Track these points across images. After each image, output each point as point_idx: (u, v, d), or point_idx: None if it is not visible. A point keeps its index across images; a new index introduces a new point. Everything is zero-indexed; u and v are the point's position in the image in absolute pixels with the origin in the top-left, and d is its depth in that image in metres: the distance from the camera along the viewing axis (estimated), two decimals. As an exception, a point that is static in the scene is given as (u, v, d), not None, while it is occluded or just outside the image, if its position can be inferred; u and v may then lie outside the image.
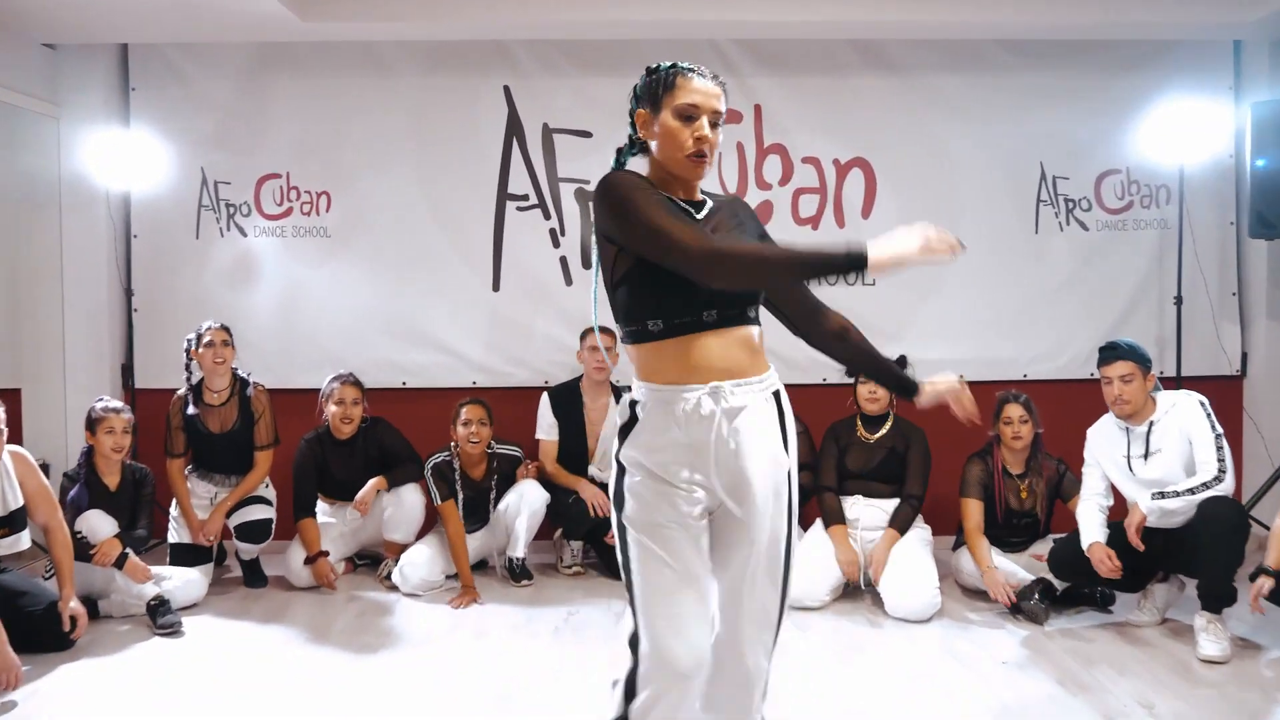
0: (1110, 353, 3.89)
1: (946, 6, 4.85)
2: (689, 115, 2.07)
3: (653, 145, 2.13)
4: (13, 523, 3.60)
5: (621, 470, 2.11)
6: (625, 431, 2.11)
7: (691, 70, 2.11)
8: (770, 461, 2.09)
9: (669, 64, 2.12)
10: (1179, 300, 5.12)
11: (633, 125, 2.18)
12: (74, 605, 3.67)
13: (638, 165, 2.19)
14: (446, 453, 4.65)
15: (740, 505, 2.06)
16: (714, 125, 2.10)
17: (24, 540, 3.65)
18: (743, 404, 2.05)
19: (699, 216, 2.12)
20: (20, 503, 3.63)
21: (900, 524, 4.41)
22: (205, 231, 5.26)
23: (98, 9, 4.65)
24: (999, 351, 5.29)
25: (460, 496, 4.62)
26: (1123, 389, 3.85)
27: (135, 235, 5.25)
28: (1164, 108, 4.98)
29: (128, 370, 5.26)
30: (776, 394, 2.14)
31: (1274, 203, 4.63)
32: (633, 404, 2.11)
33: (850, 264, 1.84)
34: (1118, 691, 3.30)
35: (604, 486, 4.77)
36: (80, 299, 5.17)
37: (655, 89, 2.11)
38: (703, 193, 2.20)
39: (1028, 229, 5.32)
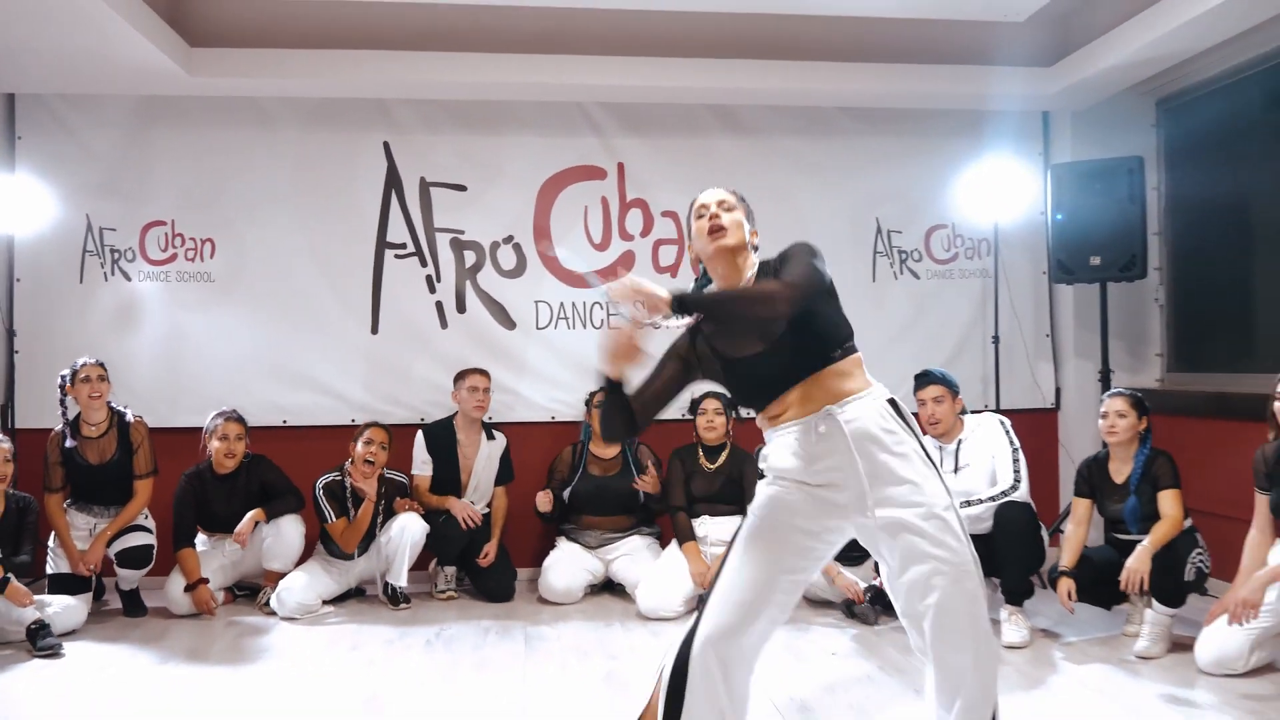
0: (924, 379, 4.42)
1: (795, 76, 5.36)
2: (701, 215, 2.59)
3: (700, 256, 2.62)
4: None
5: None
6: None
7: (703, 192, 2.65)
8: None
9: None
10: (996, 340, 5.71)
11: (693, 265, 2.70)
12: None
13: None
14: (337, 473, 4.90)
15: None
16: (727, 209, 2.56)
17: None
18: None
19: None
20: None
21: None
22: (89, 276, 5.42)
23: (-15, 60, 4.83)
24: (842, 388, 5.76)
25: (352, 514, 4.87)
26: (934, 409, 4.37)
27: (18, 279, 5.37)
28: (983, 169, 5.59)
29: (6, 410, 5.35)
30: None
31: (1072, 252, 5.25)
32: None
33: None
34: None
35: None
36: (-40, 341, 5.26)
37: (688, 220, 2.65)
38: (761, 263, 2.59)
39: (866, 278, 5.86)
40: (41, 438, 4.90)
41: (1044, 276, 5.96)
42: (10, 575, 4.17)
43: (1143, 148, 5.49)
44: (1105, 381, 5.24)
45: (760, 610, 2.39)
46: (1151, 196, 5.43)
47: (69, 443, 4.67)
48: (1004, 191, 5.57)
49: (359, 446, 4.87)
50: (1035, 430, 5.64)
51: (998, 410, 5.52)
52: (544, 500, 5.05)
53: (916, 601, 2.33)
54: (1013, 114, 5.90)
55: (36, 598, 4.29)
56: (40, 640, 4.08)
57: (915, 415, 4.30)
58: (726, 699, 2.37)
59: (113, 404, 4.82)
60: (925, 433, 4.36)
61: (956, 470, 4.37)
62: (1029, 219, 5.87)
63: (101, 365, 4.73)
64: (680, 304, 2.29)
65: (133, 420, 4.80)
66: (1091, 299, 5.53)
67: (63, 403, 4.73)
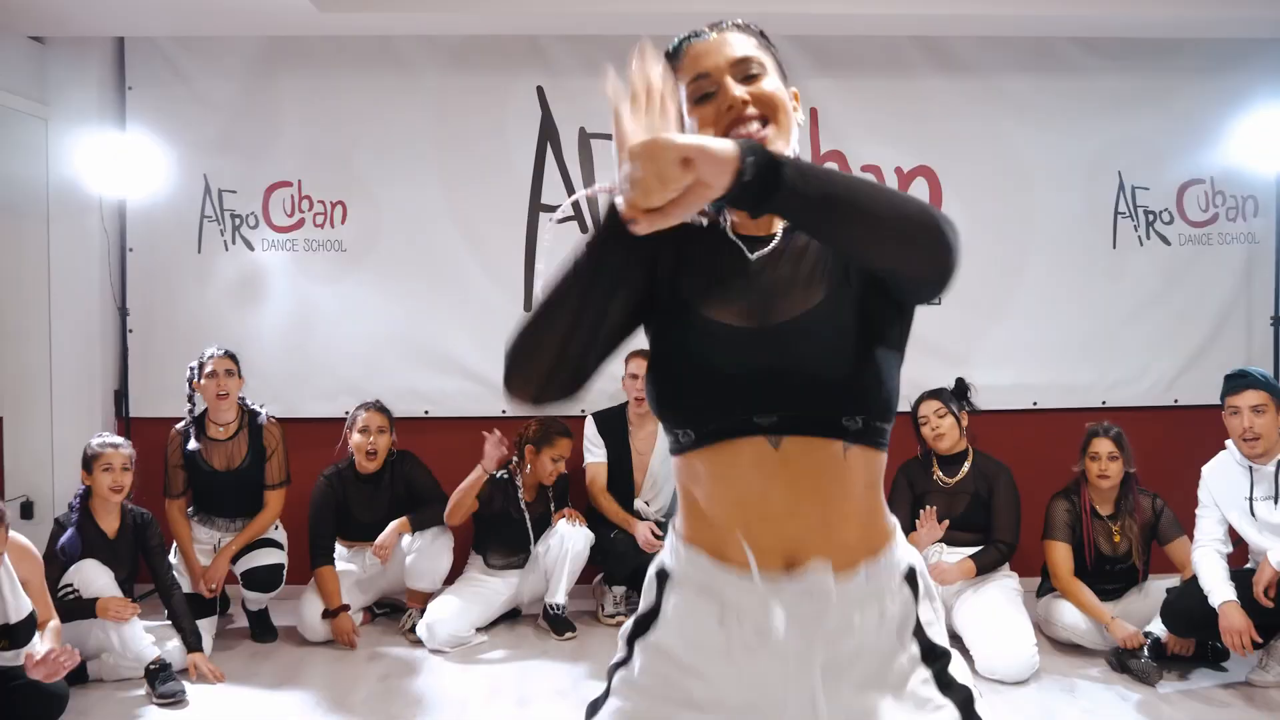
0: (1240, 380, 3.49)
1: (1019, 0, 4.46)
2: (706, 94, 1.36)
3: None
4: (14, 635, 3.09)
5: None
6: None
7: (688, 39, 1.40)
8: None
9: (665, 52, 1.40)
10: (1276, 320, 4.71)
11: None
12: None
13: None
14: (504, 472, 4.25)
15: None
16: (750, 78, 1.36)
17: (35, 650, 3.12)
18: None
19: (751, 257, 1.38)
20: (25, 611, 3.12)
21: (981, 561, 3.98)
22: (208, 245, 4.82)
23: (91, -1, 4.22)
24: (1076, 376, 4.88)
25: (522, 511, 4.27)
26: (1253, 420, 3.44)
27: (130, 249, 4.80)
28: (1252, 112, 4.62)
29: (121, 397, 4.79)
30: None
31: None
32: None
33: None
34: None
35: (658, 523, 4.36)
36: (69, 318, 4.70)
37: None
38: None
39: (1105, 243, 4.91)
40: (157, 429, 4.38)
41: (1324, 242, 4.93)
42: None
43: None
44: None
45: None
46: None
47: (192, 444, 4.06)
48: (1277, 138, 4.55)
49: (355, 436, 4.21)
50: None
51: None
52: None
53: None
54: (1284, 43, 4.86)
55: (159, 624, 3.69)
56: (160, 684, 3.48)
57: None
58: None
59: (246, 402, 4.19)
60: (1241, 451, 3.48)
61: (1277, 499, 3.44)
62: (1307, 172, 4.83)
63: (232, 357, 4.12)
64: (766, 173, 1.10)
65: (266, 423, 4.18)
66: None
67: (191, 398, 4.14)
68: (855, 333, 1.30)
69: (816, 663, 1.26)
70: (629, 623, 1.40)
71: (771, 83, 1.37)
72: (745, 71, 1.36)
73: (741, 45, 1.38)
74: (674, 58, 1.40)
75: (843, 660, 1.27)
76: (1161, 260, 4.93)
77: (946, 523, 3.99)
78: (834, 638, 1.27)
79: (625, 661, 1.38)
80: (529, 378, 1.32)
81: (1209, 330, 4.91)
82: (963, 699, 1.32)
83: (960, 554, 4.01)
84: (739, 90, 1.34)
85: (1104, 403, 4.83)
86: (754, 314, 1.32)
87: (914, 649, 1.32)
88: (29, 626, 3.12)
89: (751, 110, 1.33)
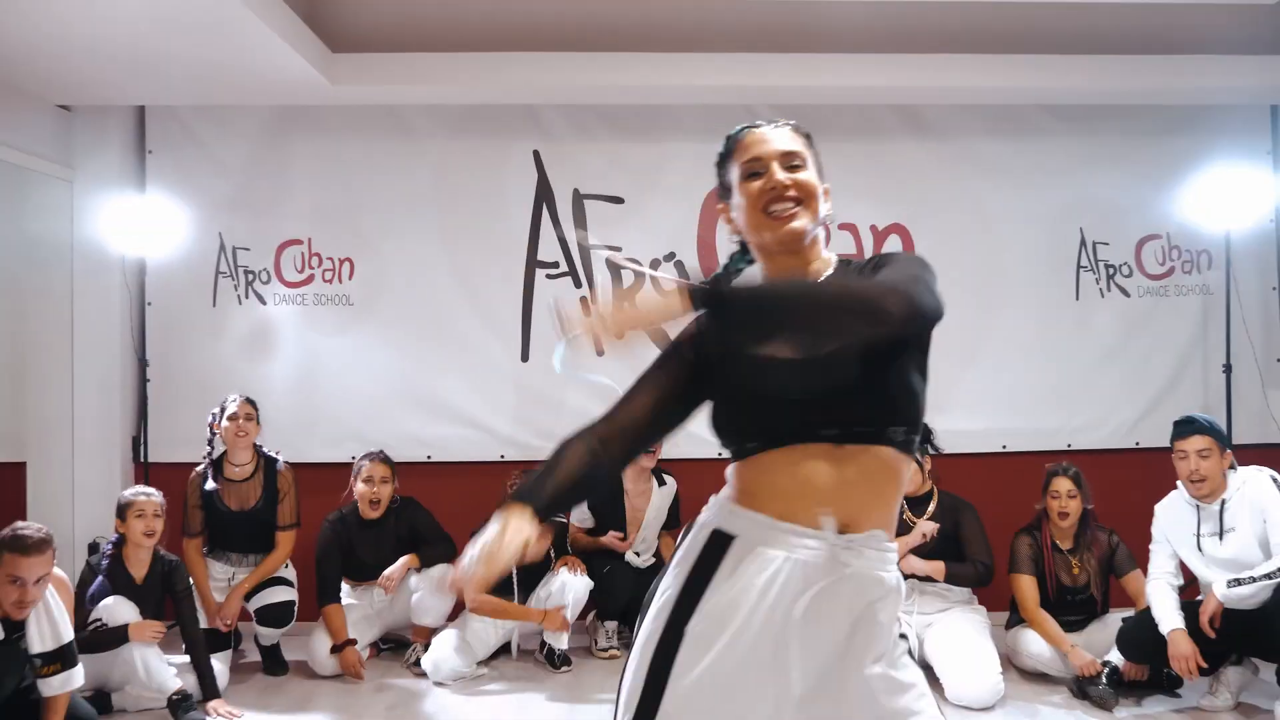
0: (1187, 426, 3.77)
1: (988, 71, 4.83)
2: (755, 173, 1.70)
3: (745, 234, 1.76)
4: (64, 658, 3.33)
5: None
6: None
7: (748, 127, 1.75)
8: None
9: (727, 136, 1.78)
10: (1228, 368, 5.00)
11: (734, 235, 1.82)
12: None
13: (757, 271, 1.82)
14: None
15: None
16: (793, 168, 1.69)
17: (77, 678, 3.35)
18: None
19: None
20: (70, 636, 3.36)
21: (956, 572, 4.24)
22: (223, 299, 5.10)
23: (115, 71, 4.54)
24: (1043, 421, 5.16)
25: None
26: (1199, 464, 3.71)
27: (149, 302, 5.08)
28: (1204, 172, 4.92)
29: (137, 443, 5.04)
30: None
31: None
32: None
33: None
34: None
35: (649, 567, 4.62)
36: (91, 368, 4.98)
37: (723, 171, 1.78)
38: (841, 261, 1.76)
39: (1068, 295, 5.22)
40: (173, 473, 4.62)
41: (1274, 293, 5.23)
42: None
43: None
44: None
45: None
46: None
47: (210, 484, 4.31)
48: (1229, 197, 4.86)
49: (359, 485, 4.45)
50: (1270, 468, 4.92)
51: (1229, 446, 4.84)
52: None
53: None
54: (1237, 108, 5.22)
55: (178, 660, 3.93)
56: (183, 714, 3.71)
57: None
58: None
59: (262, 448, 4.45)
60: (1189, 492, 3.76)
61: (1221, 535, 3.71)
62: (1257, 227, 5.13)
63: (252, 403, 4.39)
64: (711, 304, 1.56)
65: (282, 468, 4.43)
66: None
67: (210, 441, 4.40)
68: (887, 359, 1.62)
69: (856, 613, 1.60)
70: (676, 587, 1.66)
71: (810, 175, 1.71)
72: (790, 162, 1.70)
73: (791, 141, 1.72)
74: (732, 140, 1.76)
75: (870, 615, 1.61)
76: (1122, 311, 5.23)
77: (936, 526, 4.24)
78: (869, 595, 1.61)
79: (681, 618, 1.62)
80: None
81: (1168, 377, 5.19)
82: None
83: (930, 590, 4.26)
84: (783, 175, 1.68)
85: (1069, 445, 5.10)
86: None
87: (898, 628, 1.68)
88: (74, 650, 3.35)
89: (791, 193, 1.68)
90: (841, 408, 1.61)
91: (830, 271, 1.74)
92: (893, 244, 5.16)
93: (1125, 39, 4.86)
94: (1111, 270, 5.24)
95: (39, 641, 3.26)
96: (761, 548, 1.61)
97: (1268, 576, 3.54)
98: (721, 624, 1.59)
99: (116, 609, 3.81)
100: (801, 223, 1.68)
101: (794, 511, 1.61)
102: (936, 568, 4.22)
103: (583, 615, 4.73)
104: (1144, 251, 5.25)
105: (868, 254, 5.14)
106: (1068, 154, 5.21)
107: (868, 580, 1.61)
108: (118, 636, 3.76)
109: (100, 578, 3.92)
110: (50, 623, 3.28)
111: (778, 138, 1.72)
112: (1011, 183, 5.20)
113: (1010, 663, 4.31)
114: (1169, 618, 3.72)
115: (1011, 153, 5.21)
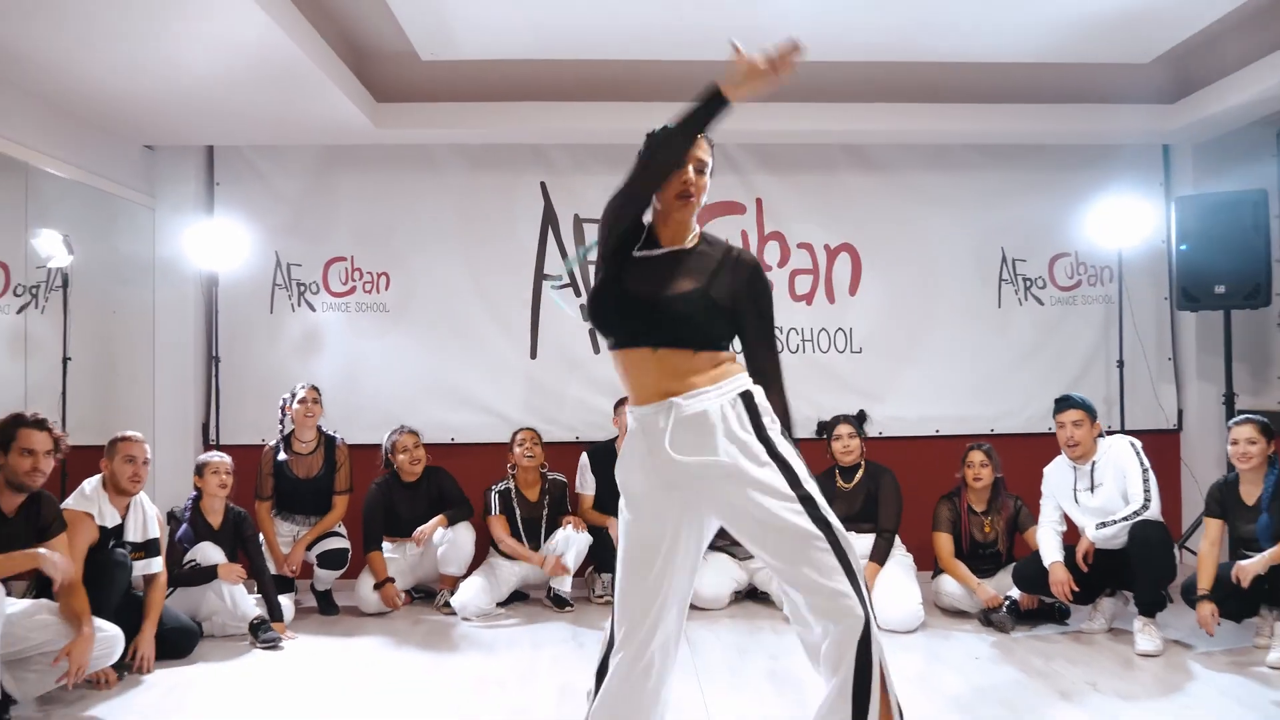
0: (1064, 403, 4.71)
1: (925, 117, 5.73)
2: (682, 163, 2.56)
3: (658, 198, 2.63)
4: (149, 549, 4.30)
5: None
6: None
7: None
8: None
9: (661, 128, 2.56)
10: (1121, 364, 5.96)
11: None
12: (147, 645, 4.19)
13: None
14: (505, 482, 5.41)
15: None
16: (699, 172, 2.58)
17: (156, 565, 4.33)
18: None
19: (660, 251, 2.62)
20: (157, 534, 4.34)
21: (879, 557, 5.06)
22: (279, 307, 6.02)
23: (190, 116, 5.44)
24: (970, 410, 6.10)
25: (518, 515, 5.37)
26: (1074, 432, 4.65)
27: (219, 310, 5.97)
28: (1106, 201, 5.86)
29: (206, 428, 5.95)
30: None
31: (1196, 280, 5.49)
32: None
33: (713, 107, 2.43)
34: (1070, 676, 4.04)
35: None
36: (169, 366, 5.92)
37: None
38: (704, 240, 2.66)
39: (992, 304, 6.16)
40: (238, 453, 5.43)
41: (1165, 302, 6.18)
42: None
43: (1264, 179, 5.68)
44: (1229, 404, 5.46)
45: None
46: (1275, 225, 5.61)
47: (281, 456, 5.24)
48: (1126, 221, 5.82)
49: (399, 456, 5.37)
50: (1158, 451, 5.78)
51: (1122, 431, 5.77)
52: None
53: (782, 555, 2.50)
54: (1135, 148, 6.16)
55: (251, 596, 4.83)
56: (262, 634, 4.61)
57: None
58: None
59: (323, 427, 5.38)
60: (1066, 455, 4.67)
61: (1093, 489, 4.65)
62: (1150, 247, 6.10)
63: (317, 390, 5.33)
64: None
65: (339, 444, 5.38)
66: (1213, 324, 5.77)
67: (281, 420, 5.31)
68: (705, 303, 2.55)
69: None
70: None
71: (706, 178, 2.63)
72: (700, 169, 2.61)
73: (706, 154, 2.63)
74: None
75: (706, 429, 2.50)
76: (1036, 318, 6.17)
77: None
78: (695, 422, 2.51)
79: None
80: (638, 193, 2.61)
81: (1075, 372, 6.13)
82: (789, 473, 2.50)
83: (859, 538, 5.15)
84: (694, 179, 2.59)
85: (992, 430, 6.04)
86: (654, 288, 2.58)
87: (751, 434, 2.51)
88: (157, 546, 4.36)
89: (692, 189, 2.58)
90: (662, 325, 2.52)
91: (696, 238, 2.65)
92: (843, 260, 6.11)
93: (1040, 90, 5.78)
94: (1028, 283, 6.19)
95: (134, 532, 4.27)
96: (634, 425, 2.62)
97: (1125, 520, 4.47)
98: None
99: (207, 551, 4.71)
100: (695, 208, 2.63)
101: (638, 398, 2.60)
102: (874, 569, 4.96)
103: (580, 571, 5.63)
104: (1056, 267, 6.20)
105: (822, 267, 6.10)
106: (992, 185, 6.16)
107: (696, 413, 2.51)
108: (207, 575, 4.66)
109: (184, 525, 4.82)
110: (144, 522, 4.30)
111: (701, 149, 2.61)
112: (944, 209, 6.14)
113: (935, 605, 5.21)
114: (1050, 553, 4.65)
115: (944, 184, 6.15)
